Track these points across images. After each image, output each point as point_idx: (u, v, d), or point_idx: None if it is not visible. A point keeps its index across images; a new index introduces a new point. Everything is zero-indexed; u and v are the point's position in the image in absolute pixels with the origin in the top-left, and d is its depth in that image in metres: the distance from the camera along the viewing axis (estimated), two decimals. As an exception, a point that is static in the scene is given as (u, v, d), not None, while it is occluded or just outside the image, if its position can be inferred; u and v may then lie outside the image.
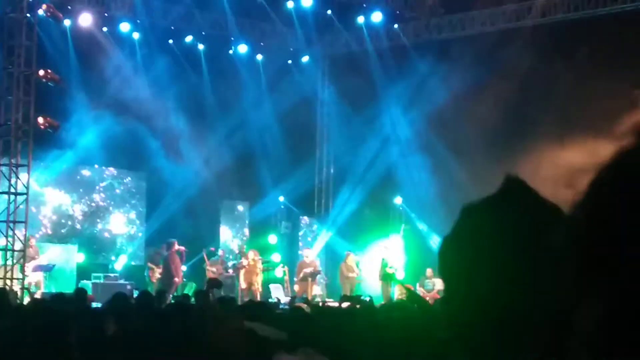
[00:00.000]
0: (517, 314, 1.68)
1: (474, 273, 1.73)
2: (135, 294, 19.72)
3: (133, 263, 26.71)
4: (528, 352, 1.67)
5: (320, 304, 21.22)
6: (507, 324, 1.68)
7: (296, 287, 25.55)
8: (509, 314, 1.68)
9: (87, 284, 22.19)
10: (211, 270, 25.36)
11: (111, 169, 27.36)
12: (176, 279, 23.64)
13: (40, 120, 22.19)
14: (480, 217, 1.79)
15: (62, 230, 26.16)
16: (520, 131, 25.21)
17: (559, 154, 24.77)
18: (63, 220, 26.28)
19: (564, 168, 24.48)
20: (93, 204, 27.05)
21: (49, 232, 25.85)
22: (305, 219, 30.73)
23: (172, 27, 27.44)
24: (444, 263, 1.79)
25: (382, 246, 26.52)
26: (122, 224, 27.49)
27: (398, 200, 28.61)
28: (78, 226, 26.56)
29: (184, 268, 24.44)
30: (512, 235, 1.71)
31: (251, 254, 25.20)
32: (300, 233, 30.42)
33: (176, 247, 23.94)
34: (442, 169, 26.61)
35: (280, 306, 18.99)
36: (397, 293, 23.87)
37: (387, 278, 25.33)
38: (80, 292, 14.86)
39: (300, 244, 29.16)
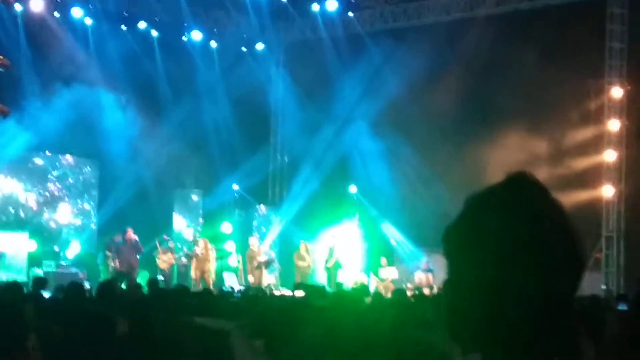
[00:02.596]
0: (520, 301, 1.68)
1: (479, 260, 1.72)
2: (87, 282, 19.55)
3: (84, 252, 26.41)
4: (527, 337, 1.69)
5: (273, 292, 21.23)
6: (509, 310, 1.69)
7: (250, 277, 25.49)
8: (512, 300, 1.69)
9: (38, 273, 21.94)
10: (162, 259, 25.22)
11: (67, 156, 27.02)
12: (130, 267, 23.53)
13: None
14: (487, 207, 1.77)
15: (11, 218, 25.80)
16: (474, 119, 25.37)
17: (513, 141, 24.96)
18: (11, 208, 25.92)
19: (521, 153, 24.70)
20: (47, 193, 26.72)
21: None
22: (262, 208, 30.62)
23: (125, 13, 27.17)
24: (449, 248, 1.79)
25: (330, 235, 26.56)
26: (73, 213, 27.18)
27: (352, 188, 28.62)
28: (27, 215, 26.19)
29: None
30: (517, 227, 1.71)
31: (202, 243, 25.10)
32: (255, 223, 30.29)
33: (130, 235, 23.81)
34: (396, 156, 26.68)
35: (235, 294, 18.89)
36: (372, 284, 24.05)
37: (336, 266, 25.44)
38: (39, 281, 14.71)
39: (255, 233, 29.02)
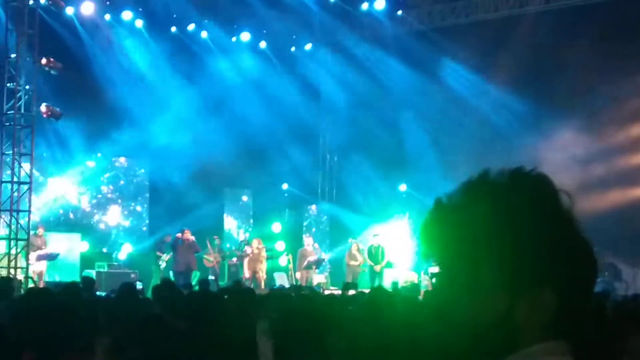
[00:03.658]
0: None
1: (475, 257, 1.71)
2: (139, 283, 19.71)
3: (136, 252, 26.60)
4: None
5: (324, 292, 21.26)
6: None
7: (298, 275, 25.54)
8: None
9: (90, 273, 22.17)
10: (207, 259, 25.36)
11: (120, 159, 27.29)
12: (188, 267, 23.76)
13: (43, 108, 22.13)
14: (485, 198, 1.76)
15: (62, 219, 26.09)
16: (526, 118, 25.15)
17: (566, 139, 24.78)
18: (62, 210, 26.20)
19: (575, 151, 24.50)
20: (99, 195, 27.03)
21: (51, 221, 25.79)
22: (312, 207, 30.68)
23: (175, 15, 27.39)
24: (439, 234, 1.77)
25: (378, 233, 26.45)
26: (123, 215, 27.43)
27: (403, 187, 28.58)
28: (77, 216, 26.47)
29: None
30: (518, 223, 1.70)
31: (255, 243, 25.22)
32: (305, 223, 30.35)
33: (188, 235, 24.00)
34: (448, 154, 26.59)
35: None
36: (401, 281, 23.87)
37: (386, 266, 25.42)
38: (88, 281, 14.86)
39: (307, 234, 29.06)
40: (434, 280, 1.81)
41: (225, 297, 9.53)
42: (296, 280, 25.42)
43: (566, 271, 1.70)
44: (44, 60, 22.07)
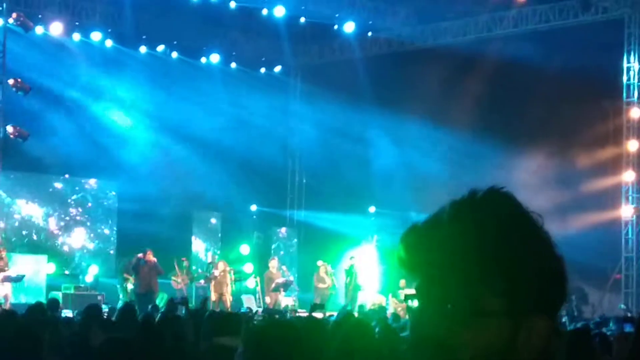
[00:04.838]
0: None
1: (445, 275, 1.67)
2: (105, 306, 19.55)
3: (102, 275, 26.40)
4: None
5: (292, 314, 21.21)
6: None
7: (267, 299, 25.45)
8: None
9: (57, 295, 21.97)
10: (175, 281, 25.21)
11: (90, 180, 27.13)
12: (150, 288, 23.45)
13: (10, 129, 21.99)
14: (460, 219, 1.71)
15: (25, 241, 25.86)
16: (492, 143, 25.27)
17: (531, 163, 24.97)
18: (25, 232, 25.98)
19: (540, 176, 24.69)
20: (67, 217, 26.84)
21: (13, 241, 25.54)
22: (282, 230, 30.65)
23: (144, 36, 27.34)
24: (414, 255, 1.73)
25: (349, 256, 26.52)
26: (89, 237, 27.22)
27: (372, 209, 28.61)
28: (41, 237, 26.25)
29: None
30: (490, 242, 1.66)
31: (221, 265, 25.08)
32: (274, 246, 30.29)
33: (150, 257, 23.70)
34: (417, 176, 26.64)
35: (255, 317, 18.86)
36: (369, 304, 23.88)
37: (355, 288, 25.43)
38: (53, 302, 14.76)
39: (275, 256, 28.97)
40: (410, 303, 1.78)
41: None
42: (264, 303, 25.34)
43: (556, 294, 1.70)
44: (11, 81, 21.96)
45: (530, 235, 1.70)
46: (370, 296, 25.42)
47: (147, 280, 23.43)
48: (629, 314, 20.34)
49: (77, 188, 26.98)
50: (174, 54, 28.20)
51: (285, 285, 25.90)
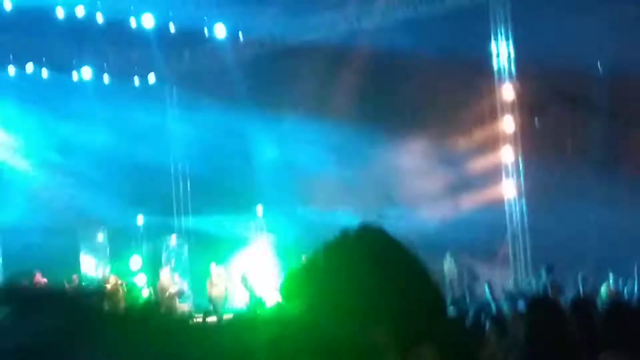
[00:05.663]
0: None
1: (316, 305, 1.69)
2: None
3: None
4: None
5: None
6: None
7: (162, 308, 25.19)
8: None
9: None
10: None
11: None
12: None
13: None
14: (333, 256, 1.74)
15: None
16: (373, 130, 25.50)
17: (414, 146, 25.33)
18: None
19: (422, 158, 25.08)
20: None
21: None
22: (172, 238, 30.34)
23: (11, 55, 26.78)
24: (290, 291, 1.75)
25: (241, 257, 26.47)
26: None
27: (259, 208, 28.62)
28: None
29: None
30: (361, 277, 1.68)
31: (112, 279, 24.79)
32: (164, 255, 29.97)
33: (39, 278, 23.23)
34: (300, 171, 26.73)
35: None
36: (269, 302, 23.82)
37: (247, 288, 25.33)
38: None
39: (166, 265, 28.66)
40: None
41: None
42: (160, 313, 25.07)
43: (439, 321, 1.72)
44: None
45: (404, 267, 1.72)
46: (270, 294, 25.34)
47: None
48: (518, 291, 20.75)
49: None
50: (44, 72, 27.62)
51: (180, 294, 25.76)
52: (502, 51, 25.44)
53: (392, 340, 1.65)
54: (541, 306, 6.77)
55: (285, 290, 1.76)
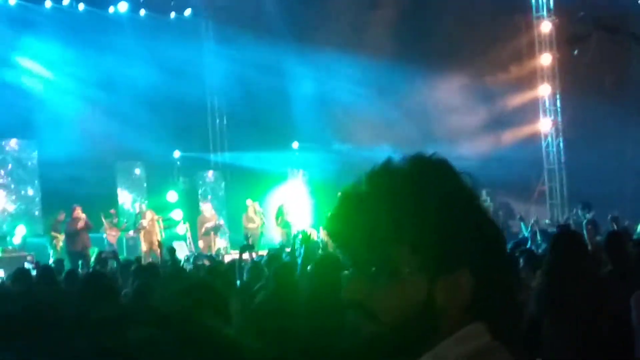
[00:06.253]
0: None
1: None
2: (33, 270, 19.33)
3: (30, 235, 26.01)
4: None
5: (224, 257, 21.24)
6: None
7: (200, 243, 25.43)
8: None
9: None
10: (110, 234, 25.00)
11: (11, 141, 26.57)
12: (81, 245, 23.20)
13: None
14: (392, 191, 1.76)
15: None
16: (408, 65, 25.35)
17: (450, 83, 25.14)
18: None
19: (459, 95, 24.90)
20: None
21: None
22: (209, 175, 30.47)
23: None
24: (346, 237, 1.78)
25: (279, 193, 26.60)
26: (10, 199, 26.72)
27: (295, 144, 28.63)
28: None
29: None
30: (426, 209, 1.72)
31: (149, 214, 24.90)
32: (201, 190, 30.13)
33: (78, 213, 23.44)
34: (335, 107, 26.69)
35: (183, 263, 18.81)
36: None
37: (285, 225, 25.42)
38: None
39: (205, 200, 28.83)
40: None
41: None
42: (197, 247, 25.29)
43: (477, 249, 1.71)
44: None
45: (451, 199, 1.73)
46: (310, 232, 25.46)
47: (78, 237, 23.22)
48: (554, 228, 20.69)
49: (-6, 148, 26.46)
50: (81, 6, 27.61)
51: (216, 229, 25.91)
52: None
53: (421, 265, 1.68)
54: (561, 240, 6.68)
55: (330, 218, 1.79)
